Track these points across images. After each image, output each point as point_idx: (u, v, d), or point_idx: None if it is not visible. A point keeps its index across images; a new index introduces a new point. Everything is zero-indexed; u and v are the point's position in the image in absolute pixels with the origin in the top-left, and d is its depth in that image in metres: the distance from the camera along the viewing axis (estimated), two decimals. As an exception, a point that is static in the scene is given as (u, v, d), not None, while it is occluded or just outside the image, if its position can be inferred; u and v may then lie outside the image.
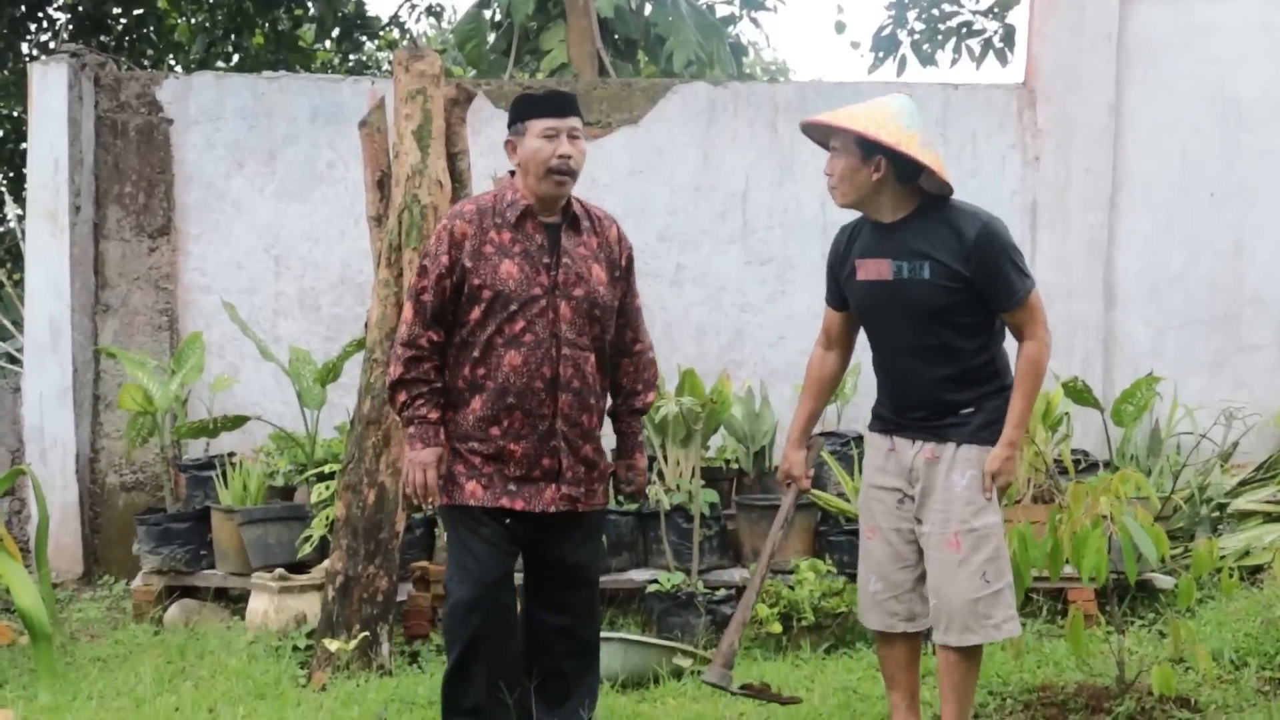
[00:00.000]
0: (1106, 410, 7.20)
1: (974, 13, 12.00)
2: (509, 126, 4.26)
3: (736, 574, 6.64)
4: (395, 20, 14.43)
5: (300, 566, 6.56)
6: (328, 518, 6.29)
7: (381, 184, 6.11)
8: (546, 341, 4.15)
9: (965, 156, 7.61)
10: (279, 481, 7.02)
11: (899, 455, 4.29)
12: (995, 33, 11.89)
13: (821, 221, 7.63)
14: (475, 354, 4.18)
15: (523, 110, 4.21)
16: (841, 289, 4.38)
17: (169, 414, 7.11)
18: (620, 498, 4.69)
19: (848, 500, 6.54)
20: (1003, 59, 12.02)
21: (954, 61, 12.19)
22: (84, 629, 6.65)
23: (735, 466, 7.25)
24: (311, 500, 6.55)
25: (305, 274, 7.82)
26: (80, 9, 12.91)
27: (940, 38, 12.17)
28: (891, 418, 4.32)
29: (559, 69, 10.63)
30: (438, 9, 14.44)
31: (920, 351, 4.17)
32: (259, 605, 6.35)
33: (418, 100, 5.93)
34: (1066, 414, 7.07)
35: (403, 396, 4.22)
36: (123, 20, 13.00)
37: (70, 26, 13.09)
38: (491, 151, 7.03)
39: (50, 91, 7.55)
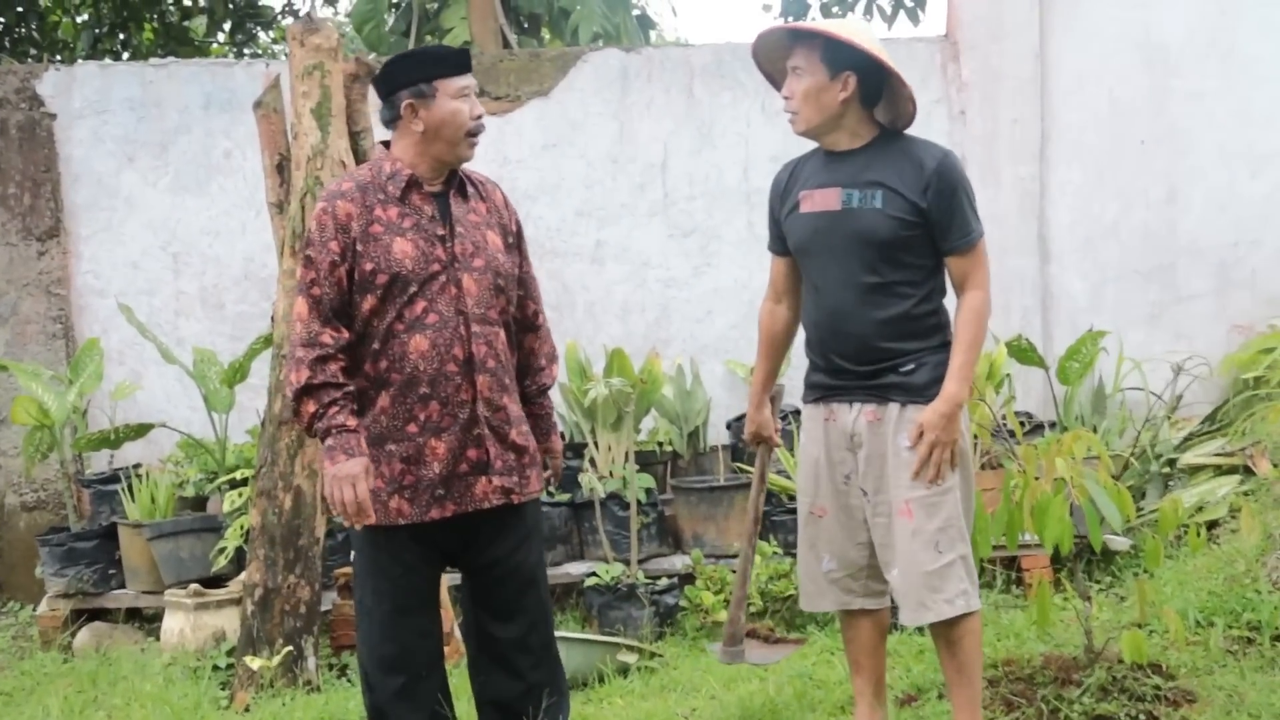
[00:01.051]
0: (1051, 369, 7.00)
1: (884, -29, 11.76)
2: (405, 88, 3.78)
3: (678, 561, 6.37)
4: (290, 9, 13.95)
5: (216, 581, 6.21)
6: (242, 527, 5.93)
7: (281, 168, 5.76)
8: (453, 320, 3.75)
9: (889, 114, 7.37)
10: (189, 491, 6.65)
11: (837, 422, 3.98)
12: (906, -9, 11.69)
13: (745, 189, 7.37)
14: (375, 346, 3.76)
15: (427, 69, 3.78)
16: (783, 229, 4.08)
17: (68, 426, 6.70)
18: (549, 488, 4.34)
19: (789, 478, 6.28)
20: (914, 18, 11.79)
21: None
22: (-13, 661, 6.25)
23: (669, 449, 6.98)
24: (224, 509, 6.18)
25: (206, 271, 7.43)
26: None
27: (850, -1, 11.95)
28: (825, 380, 4.00)
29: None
30: (335, -6, 14.00)
31: (861, 291, 3.86)
32: (174, 624, 5.98)
33: (315, 76, 5.59)
34: (1008, 375, 6.87)
35: (312, 406, 3.71)
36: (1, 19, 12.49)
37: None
38: (396, 131, 6.68)
39: (-80, 90, 7.11)
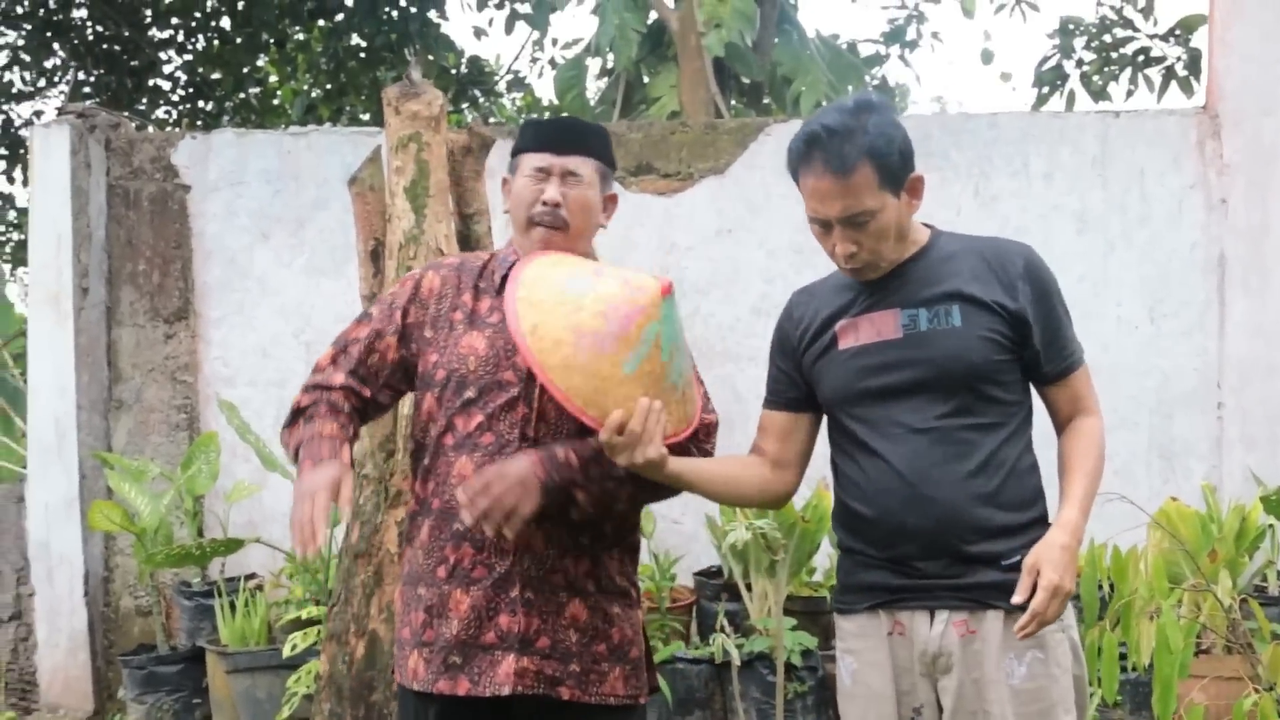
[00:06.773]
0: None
1: (1152, 37, 10.43)
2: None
3: (838, 741, 5.22)
4: (516, 76, 13.42)
5: (303, 725, 5.37)
6: (311, 671, 5.07)
7: (376, 255, 4.93)
8: (513, 447, 2.82)
9: (1131, 201, 6.12)
10: (289, 615, 5.81)
11: (909, 638, 2.77)
12: (1178, 59, 10.32)
13: (952, 286, 6.19)
14: (425, 460, 2.91)
15: (519, 139, 3.04)
16: (802, 375, 2.93)
17: (159, 533, 5.98)
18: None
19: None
20: (1187, 89, 10.42)
21: (1129, 94, 10.68)
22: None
23: (845, 595, 5.82)
24: (286, 650, 5.31)
25: (341, 362, 6.65)
26: (184, 77, 12.29)
27: (1114, 68, 10.62)
28: (889, 579, 2.77)
29: (670, 118, 9.39)
30: (561, 61, 13.36)
31: (942, 440, 2.71)
32: (240, 778, 5.17)
33: (410, 149, 4.72)
34: (1270, 526, 5.52)
35: (297, 430, 2.89)
36: (219, 89, 12.30)
37: (175, 94, 12.51)
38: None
39: (52, 158, 6.58)
